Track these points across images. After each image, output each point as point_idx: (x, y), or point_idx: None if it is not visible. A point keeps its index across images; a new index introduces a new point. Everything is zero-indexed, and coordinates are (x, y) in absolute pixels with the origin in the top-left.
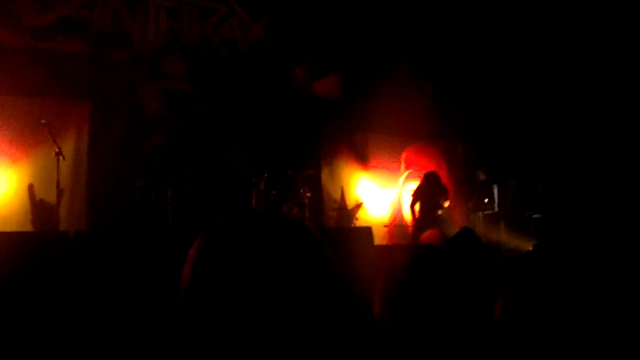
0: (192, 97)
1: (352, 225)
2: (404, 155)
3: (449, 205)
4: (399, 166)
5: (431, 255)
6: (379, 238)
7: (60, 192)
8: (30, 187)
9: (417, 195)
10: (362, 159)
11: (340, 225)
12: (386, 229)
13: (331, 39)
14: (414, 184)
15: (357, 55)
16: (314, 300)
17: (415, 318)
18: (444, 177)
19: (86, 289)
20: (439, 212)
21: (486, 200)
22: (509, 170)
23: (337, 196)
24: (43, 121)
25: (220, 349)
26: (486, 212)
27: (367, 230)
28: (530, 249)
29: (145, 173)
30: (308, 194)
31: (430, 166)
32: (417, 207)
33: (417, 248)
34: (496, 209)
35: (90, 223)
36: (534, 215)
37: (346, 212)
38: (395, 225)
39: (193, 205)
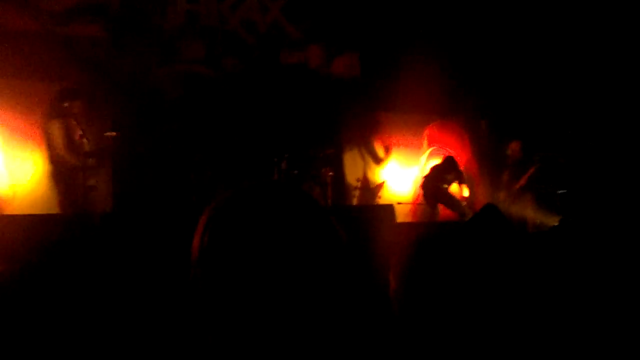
0: (210, 79)
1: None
2: (426, 133)
3: (459, 188)
4: (422, 144)
5: (452, 232)
6: (403, 216)
7: (85, 175)
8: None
9: (429, 173)
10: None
11: (362, 204)
12: (409, 207)
13: (349, 16)
14: (436, 162)
15: (375, 32)
16: (320, 270)
17: (431, 296)
18: (468, 154)
19: (113, 270)
20: (445, 185)
21: (519, 176)
22: (534, 144)
23: (360, 175)
24: (66, 104)
25: (230, 319)
26: (517, 187)
27: (389, 208)
28: (556, 224)
29: (166, 155)
30: (330, 173)
31: (453, 143)
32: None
33: (439, 225)
34: (524, 183)
35: (115, 205)
36: (560, 191)
37: (369, 191)
38: (419, 204)
39: (216, 187)
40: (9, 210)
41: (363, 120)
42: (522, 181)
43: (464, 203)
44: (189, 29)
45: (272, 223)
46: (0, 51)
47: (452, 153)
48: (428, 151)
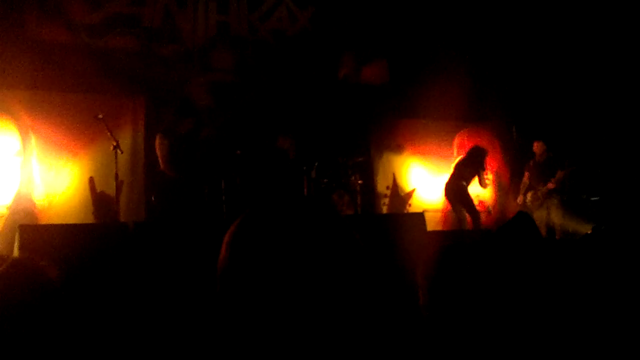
0: (240, 88)
1: (405, 212)
2: (456, 140)
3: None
4: (452, 151)
5: (483, 240)
6: (433, 224)
7: (119, 185)
8: (91, 180)
9: (452, 172)
10: (413, 145)
11: (392, 212)
12: (440, 215)
13: (378, 24)
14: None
15: (404, 40)
16: (340, 281)
17: (460, 305)
18: (498, 161)
19: (146, 279)
20: (464, 182)
21: (546, 178)
22: (566, 151)
23: (389, 183)
24: (100, 116)
25: (255, 330)
26: (546, 190)
27: (419, 217)
28: (589, 232)
29: (197, 164)
30: (359, 181)
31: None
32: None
33: (469, 233)
34: (554, 187)
35: (148, 214)
36: (593, 198)
37: (399, 199)
38: (449, 211)
39: (246, 196)
40: (45, 220)
41: (392, 127)
42: (552, 184)
43: (491, 206)
44: (220, 40)
45: (291, 239)
46: (36, 64)
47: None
48: (458, 159)
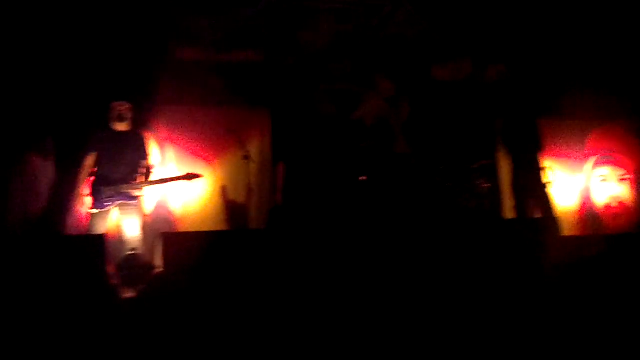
0: (361, 96)
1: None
2: (590, 140)
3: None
4: (586, 151)
5: (626, 244)
6: (567, 229)
7: (250, 193)
8: (223, 189)
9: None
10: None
11: (522, 216)
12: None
13: (499, 23)
14: (603, 169)
15: (527, 38)
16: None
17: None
18: (637, 158)
19: (274, 282)
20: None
21: None
22: None
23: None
24: (232, 128)
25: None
26: None
27: (553, 221)
28: None
29: (322, 171)
30: (485, 185)
31: (620, 149)
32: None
33: (612, 239)
34: None
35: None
36: None
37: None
38: (586, 215)
39: (373, 203)
40: (181, 228)
41: (520, 128)
42: None
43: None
44: (339, 48)
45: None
46: (171, 82)
47: (620, 160)
48: (593, 159)
